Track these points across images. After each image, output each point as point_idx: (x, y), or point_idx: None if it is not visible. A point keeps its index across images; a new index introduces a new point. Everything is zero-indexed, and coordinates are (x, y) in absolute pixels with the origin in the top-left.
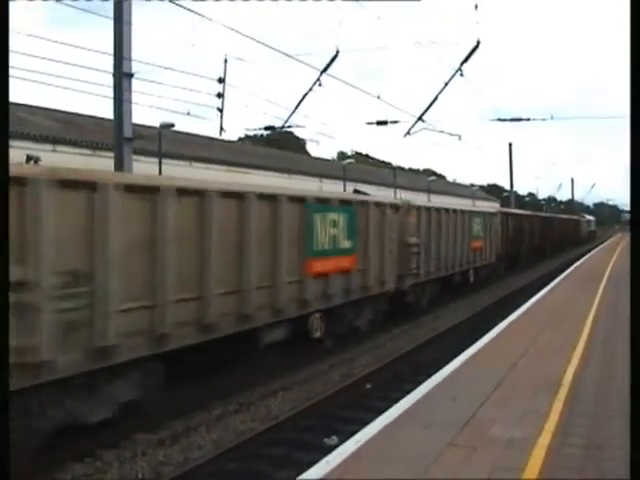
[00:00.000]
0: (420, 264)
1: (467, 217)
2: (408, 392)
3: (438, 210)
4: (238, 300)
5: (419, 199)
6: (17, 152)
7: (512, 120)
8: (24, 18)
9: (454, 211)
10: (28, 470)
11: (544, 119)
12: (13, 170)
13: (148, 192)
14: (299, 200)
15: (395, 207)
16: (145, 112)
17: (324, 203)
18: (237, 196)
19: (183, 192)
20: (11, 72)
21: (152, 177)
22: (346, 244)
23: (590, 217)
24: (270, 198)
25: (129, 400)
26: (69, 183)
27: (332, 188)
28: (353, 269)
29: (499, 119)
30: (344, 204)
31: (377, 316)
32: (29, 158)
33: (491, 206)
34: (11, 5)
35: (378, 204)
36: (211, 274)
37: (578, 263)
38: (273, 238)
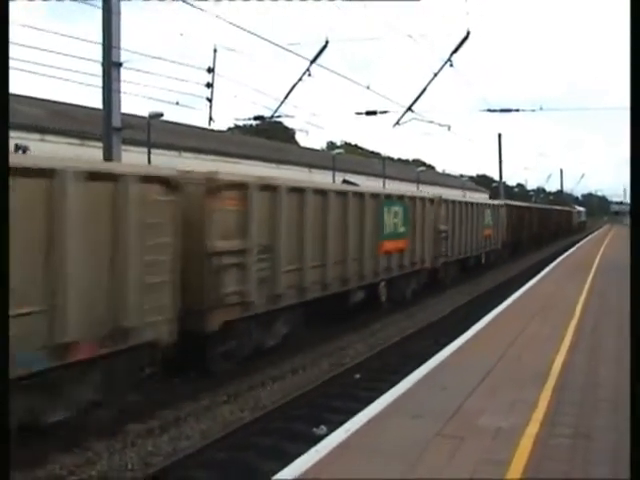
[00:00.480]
0: (447, 247)
1: (481, 209)
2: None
3: (460, 203)
4: (340, 268)
5: (409, 189)
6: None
7: (501, 111)
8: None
9: (471, 204)
10: (14, 459)
11: (533, 110)
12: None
13: (297, 192)
14: (376, 196)
15: (431, 201)
16: (134, 102)
17: (389, 198)
18: (341, 194)
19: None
20: None
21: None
22: (402, 230)
23: (581, 208)
24: (358, 195)
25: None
26: (268, 187)
27: (321, 178)
28: (406, 249)
29: (488, 110)
30: (401, 199)
31: (419, 287)
32: (17, 147)
33: (480, 197)
34: None
35: (422, 198)
36: (328, 250)
37: (570, 251)
38: (360, 225)
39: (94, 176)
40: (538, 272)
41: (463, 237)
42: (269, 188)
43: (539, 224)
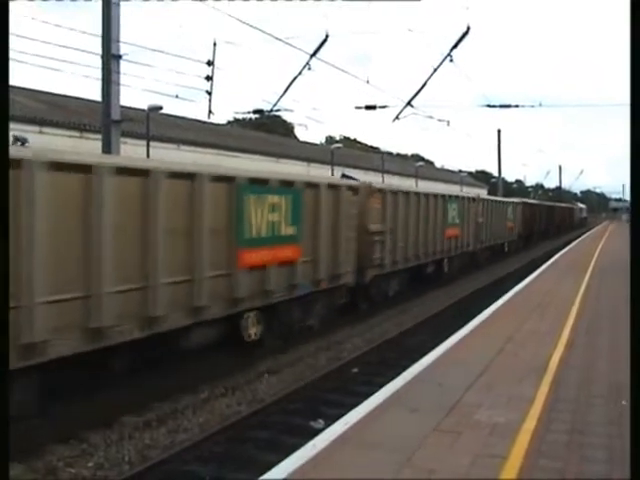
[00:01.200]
0: (484, 236)
1: (505, 206)
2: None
3: (492, 201)
4: (426, 246)
5: (408, 184)
6: None
7: (501, 106)
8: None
9: (501, 202)
10: (12, 450)
11: (533, 106)
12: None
13: (405, 194)
14: (443, 196)
15: (473, 199)
16: (133, 94)
17: (451, 198)
18: (428, 195)
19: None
20: None
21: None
22: (457, 221)
23: (582, 205)
24: (437, 196)
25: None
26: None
27: (320, 173)
28: (459, 236)
29: (488, 105)
30: (457, 198)
31: (464, 265)
32: (16, 139)
33: (479, 192)
34: None
35: (468, 198)
36: (419, 233)
37: (572, 244)
38: (435, 216)
39: (311, 185)
40: (549, 258)
41: (494, 228)
42: (395, 192)
43: (547, 219)
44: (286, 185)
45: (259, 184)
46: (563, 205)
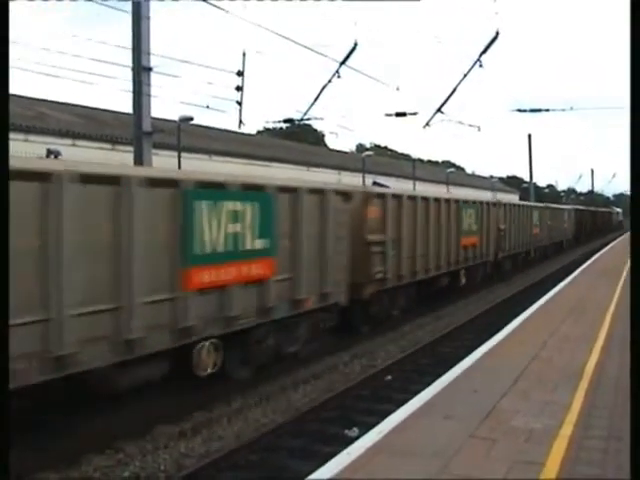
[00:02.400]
0: (545, 235)
1: (561, 212)
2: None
3: (555, 209)
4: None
5: (440, 191)
6: (38, 147)
7: (532, 111)
8: (46, 15)
9: (560, 209)
10: (49, 460)
11: (564, 110)
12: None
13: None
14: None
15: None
16: (165, 106)
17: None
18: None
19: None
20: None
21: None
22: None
23: (619, 210)
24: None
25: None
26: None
27: (351, 180)
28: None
29: (518, 110)
30: (252, 190)
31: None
32: (49, 152)
33: (510, 198)
34: (31, 4)
35: (315, 191)
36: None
37: (612, 244)
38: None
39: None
40: (594, 253)
41: (556, 229)
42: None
43: (591, 223)
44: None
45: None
46: (603, 210)
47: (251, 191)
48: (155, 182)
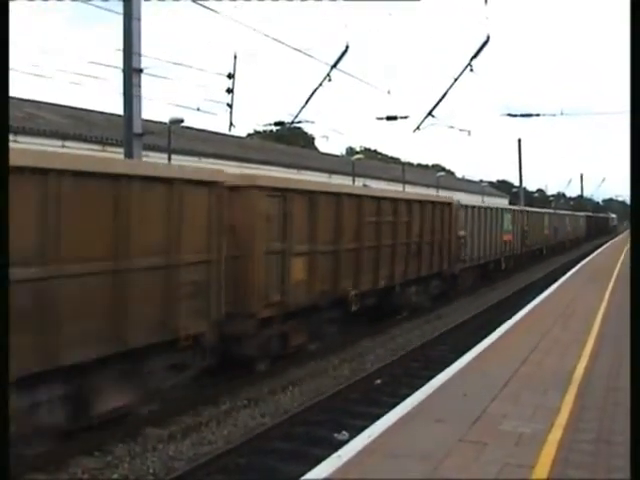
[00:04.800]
0: (552, 237)
1: (578, 217)
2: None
3: (565, 215)
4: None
5: (428, 194)
6: (26, 148)
7: (522, 116)
8: (37, 16)
9: (573, 215)
10: (38, 463)
11: (554, 115)
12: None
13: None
14: (503, 209)
15: (542, 213)
16: (155, 108)
17: (513, 211)
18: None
19: None
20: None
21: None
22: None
23: (614, 215)
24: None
25: None
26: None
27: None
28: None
29: (509, 114)
30: (513, 211)
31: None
32: None
33: (500, 202)
34: (25, 5)
35: (528, 212)
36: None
37: (608, 244)
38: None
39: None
40: (596, 249)
41: (568, 231)
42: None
43: (595, 226)
44: (513, 211)
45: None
46: (600, 215)
47: (512, 211)
48: (493, 209)
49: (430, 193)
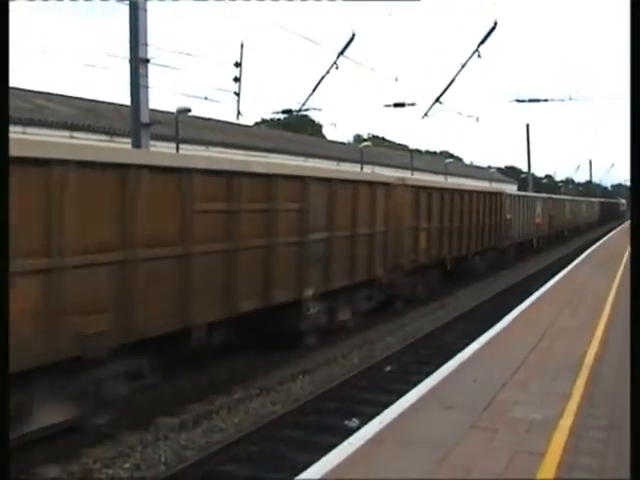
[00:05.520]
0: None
1: (592, 203)
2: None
3: (582, 201)
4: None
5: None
6: (35, 139)
7: (530, 101)
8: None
9: (590, 201)
10: (48, 452)
11: (562, 100)
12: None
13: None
14: (533, 197)
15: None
16: (163, 97)
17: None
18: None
19: None
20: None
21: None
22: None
23: (624, 201)
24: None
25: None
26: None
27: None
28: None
29: (517, 100)
30: (540, 198)
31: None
32: None
33: (508, 188)
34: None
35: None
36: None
37: (620, 227)
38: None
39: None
40: (608, 232)
41: (584, 216)
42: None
43: (608, 212)
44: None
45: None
46: (612, 201)
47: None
48: (526, 197)
49: (483, 185)
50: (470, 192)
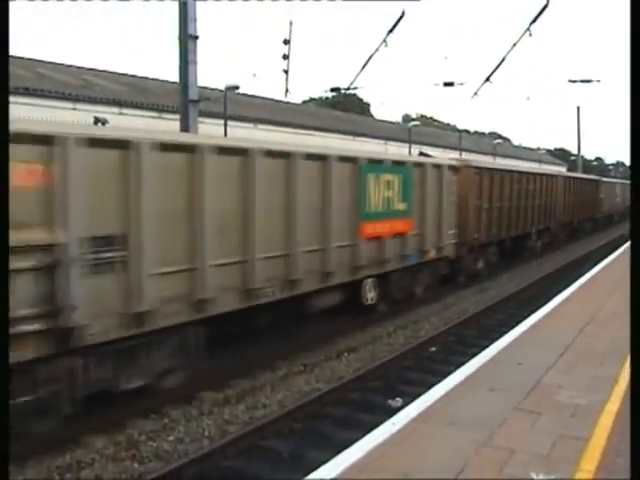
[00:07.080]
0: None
1: (625, 185)
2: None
3: (621, 184)
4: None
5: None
6: (85, 115)
7: (582, 81)
8: None
9: (622, 183)
10: (97, 422)
11: (615, 81)
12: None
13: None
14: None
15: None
16: (211, 74)
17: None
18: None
19: None
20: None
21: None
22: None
23: None
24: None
25: None
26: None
27: (396, 150)
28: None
29: (569, 80)
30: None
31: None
32: (97, 120)
33: (557, 170)
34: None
35: (435, 165)
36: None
37: None
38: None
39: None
40: None
41: (619, 200)
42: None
43: None
44: (398, 164)
45: (377, 164)
46: None
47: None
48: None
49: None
50: (529, 174)
